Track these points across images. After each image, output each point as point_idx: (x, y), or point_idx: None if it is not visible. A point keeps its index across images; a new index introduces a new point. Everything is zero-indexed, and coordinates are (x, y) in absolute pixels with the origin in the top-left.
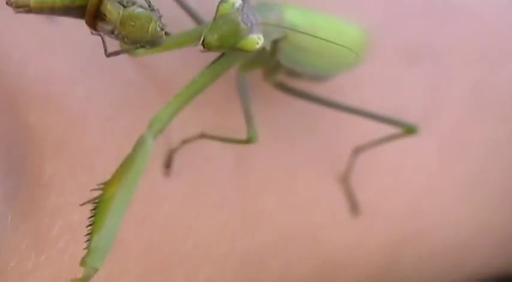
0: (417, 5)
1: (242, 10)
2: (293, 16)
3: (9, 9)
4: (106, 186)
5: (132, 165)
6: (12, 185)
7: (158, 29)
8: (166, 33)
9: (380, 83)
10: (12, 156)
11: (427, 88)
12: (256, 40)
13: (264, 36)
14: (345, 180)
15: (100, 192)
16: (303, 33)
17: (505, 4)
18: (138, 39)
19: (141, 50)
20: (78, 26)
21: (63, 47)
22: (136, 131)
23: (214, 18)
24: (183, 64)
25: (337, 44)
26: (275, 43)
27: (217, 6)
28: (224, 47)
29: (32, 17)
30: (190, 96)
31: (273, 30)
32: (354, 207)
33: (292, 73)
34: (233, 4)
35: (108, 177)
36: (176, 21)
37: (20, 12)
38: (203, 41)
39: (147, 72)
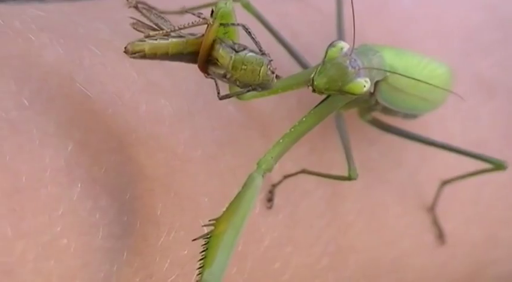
0: (492, 38)
1: (350, 55)
2: (391, 58)
3: (119, 53)
4: (217, 222)
5: (242, 203)
6: (127, 223)
7: (269, 72)
8: (276, 77)
9: (460, 116)
10: (125, 194)
11: (504, 120)
12: (364, 83)
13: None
14: (431, 210)
15: (211, 228)
16: (404, 75)
17: None
18: (250, 83)
19: (249, 94)
20: (181, 68)
21: (170, 88)
22: (240, 168)
23: (323, 62)
24: (280, 102)
25: (431, 84)
26: (375, 84)
27: (326, 50)
28: (332, 90)
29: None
30: (297, 136)
31: (376, 73)
32: (440, 236)
33: (388, 111)
34: (341, 48)
35: (214, 213)
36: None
37: (135, 57)
38: (312, 83)
39: (247, 110)
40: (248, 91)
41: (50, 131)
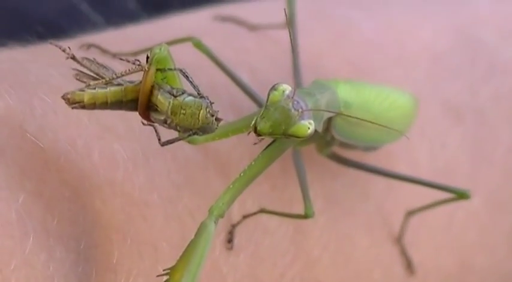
0: (459, 62)
1: (292, 97)
2: (345, 92)
3: None
4: (172, 271)
5: (195, 250)
6: (83, 273)
7: (208, 115)
8: (217, 119)
9: (427, 144)
10: (81, 244)
11: (472, 144)
12: (308, 125)
13: (316, 119)
14: (399, 241)
15: (166, 277)
16: (356, 118)
17: None
18: (190, 127)
19: (201, 138)
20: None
21: (123, 132)
22: (198, 210)
23: (266, 106)
24: (237, 140)
25: (381, 125)
26: (329, 120)
27: (268, 94)
28: (276, 134)
29: None
30: (248, 180)
31: (327, 109)
32: (409, 266)
33: (346, 145)
34: (283, 91)
35: (173, 258)
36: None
37: (75, 108)
38: (255, 128)
39: (204, 150)
40: (189, 135)
41: (0, 184)
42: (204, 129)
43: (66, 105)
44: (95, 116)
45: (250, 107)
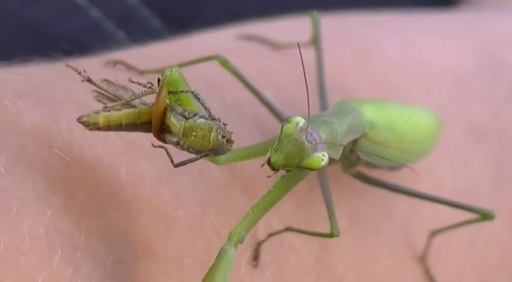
0: (482, 83)
1: (306, 129)
2: (371, 113)
3: None
4: None
5: (216, 275)
6: None
7: (219, 137)
8: (228, 141)
9: (449, 163)
10: (107, 259)
11: (494, 165)
12: (321, 157)
13: (332, 148)
14: (422, 260)
15: None
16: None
17: None
18: (202, 149)
19: (222, 159)
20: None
21: (149, 148)
22: (224, 227)
23: (279, 139)
24: (262, 160)
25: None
26: (354, 140)
27: (281, 127)
28: (290, 166)
29: None
30: (267, 206)
31: (350, 132)
32: None
33: (371, 165)
34: (296, 124)
35: (198, 274)
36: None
37: (91, 129)
38: (269, 161)
39: (230, 169)
40: (202, 157)
41: (28, 199)
42: (215, 151)
43: None
44: (122, 133)
45: (275, 126)
